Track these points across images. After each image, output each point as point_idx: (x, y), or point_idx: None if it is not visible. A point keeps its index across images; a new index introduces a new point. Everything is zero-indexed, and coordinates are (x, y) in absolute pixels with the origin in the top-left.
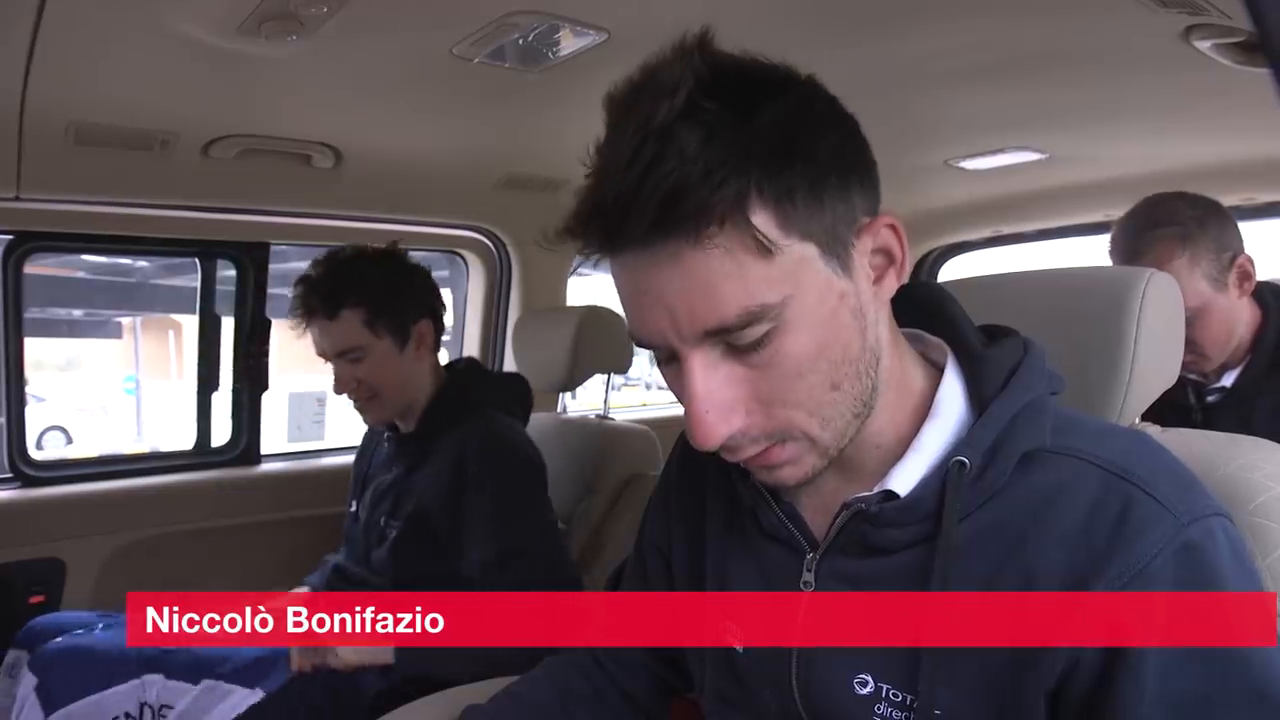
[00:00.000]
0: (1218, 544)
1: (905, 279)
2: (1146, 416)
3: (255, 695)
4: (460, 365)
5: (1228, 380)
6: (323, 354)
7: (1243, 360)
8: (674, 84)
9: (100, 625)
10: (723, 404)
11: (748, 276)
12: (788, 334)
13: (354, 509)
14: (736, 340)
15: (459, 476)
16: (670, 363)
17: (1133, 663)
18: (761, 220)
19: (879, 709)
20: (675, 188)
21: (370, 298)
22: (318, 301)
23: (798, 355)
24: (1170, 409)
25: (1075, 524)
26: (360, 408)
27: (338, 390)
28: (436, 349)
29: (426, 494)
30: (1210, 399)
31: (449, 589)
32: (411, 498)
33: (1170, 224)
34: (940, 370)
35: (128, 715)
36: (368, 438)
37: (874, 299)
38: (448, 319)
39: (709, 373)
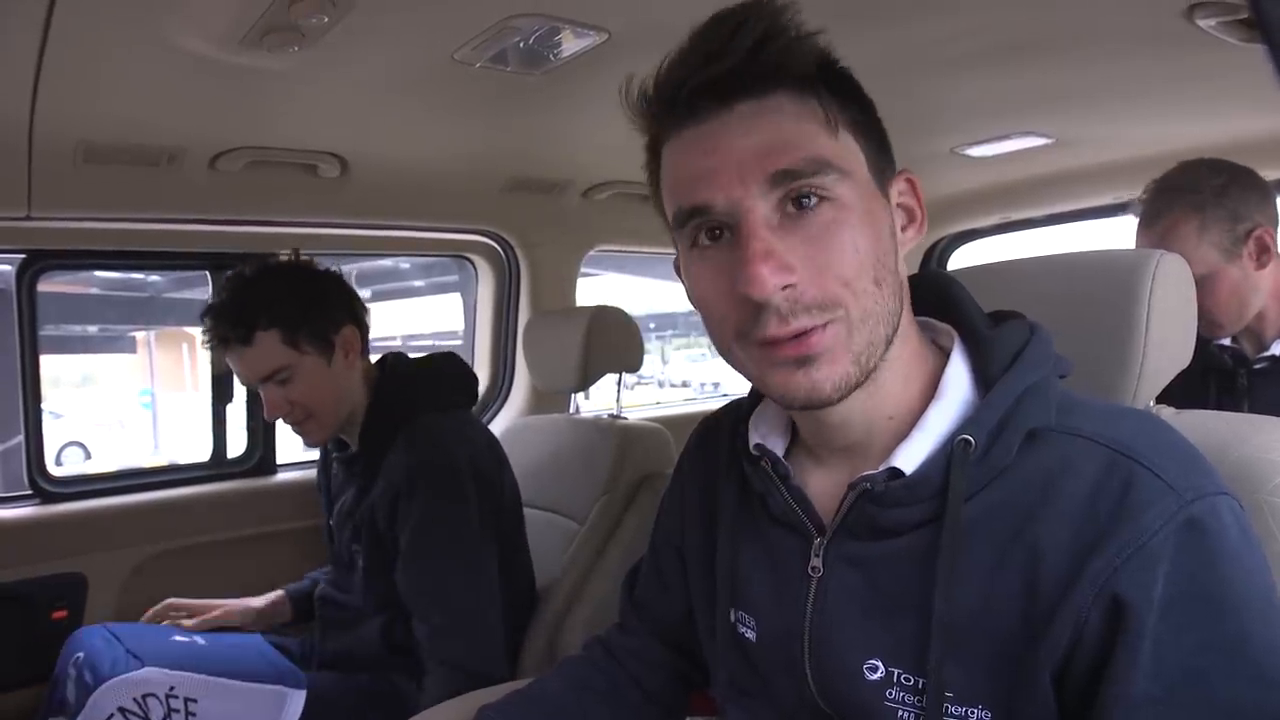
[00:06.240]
0: (1222, 522)
1: (922, 234)
2: (1177, 385)
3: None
4: (390, 365)
5: (1276, 349)
6: (247, 382)
7: None
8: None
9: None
10: (780, 256)
11: (816, 136)
12: (841, 209)
13: (329, 523)
14: (799, 190)
15: (397, 498)
16: (717, 240)
17: (1132, 637)
18: (829, 102)
19: (890, 694)
20: (782, 43)
21: (284, 315)
22: (228, 328)
23: (850, 229)
24: (1216, 377)
25: (1080, 501)
26: (298, 431)
27: (270, 416)
28: (366, 354)
29: (379, 519)
30: (1258, 366)
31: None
32: (368, 523)
33: (1189, 191)
34: (948, 355)
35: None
36: (324, 449)
37: (900, 244)
38: (458, 323)
39: (768, 229)
